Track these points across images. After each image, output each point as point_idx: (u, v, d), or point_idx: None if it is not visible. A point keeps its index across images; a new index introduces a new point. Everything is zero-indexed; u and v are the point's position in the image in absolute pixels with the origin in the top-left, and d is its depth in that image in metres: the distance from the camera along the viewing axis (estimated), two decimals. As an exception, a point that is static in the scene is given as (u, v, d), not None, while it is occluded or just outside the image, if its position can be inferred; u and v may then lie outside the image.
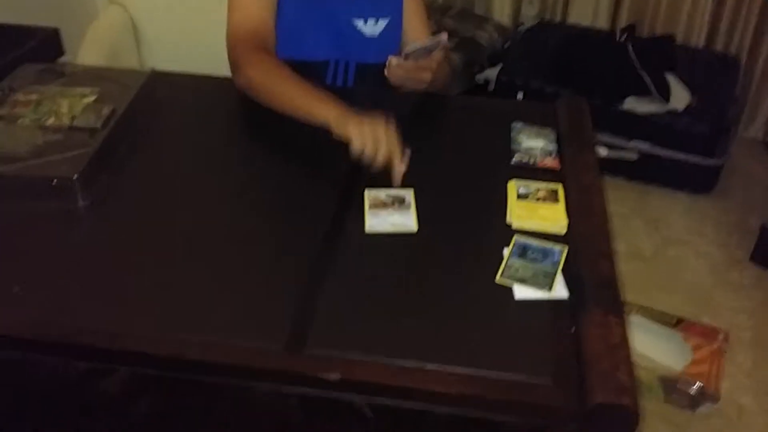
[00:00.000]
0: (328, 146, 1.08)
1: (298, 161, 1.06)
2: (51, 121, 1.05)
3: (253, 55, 1.14)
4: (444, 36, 1.13)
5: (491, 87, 2.48)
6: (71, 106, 1.07)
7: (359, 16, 1.25)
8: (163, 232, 0.90)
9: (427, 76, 1.13)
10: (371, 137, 0.95)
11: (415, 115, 1.18)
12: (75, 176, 0.92)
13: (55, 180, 0.92)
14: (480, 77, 2.50)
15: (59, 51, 1.40)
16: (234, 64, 1.16)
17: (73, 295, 0.80)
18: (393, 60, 1.14)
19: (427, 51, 1.12)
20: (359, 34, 1.25)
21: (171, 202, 0.97)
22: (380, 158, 0.96)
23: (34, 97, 1.10)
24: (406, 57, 1.14)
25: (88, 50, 1.46)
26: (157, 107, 1.16)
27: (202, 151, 1.09)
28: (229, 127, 1.18)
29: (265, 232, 0.92)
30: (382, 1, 1.28)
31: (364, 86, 1.26)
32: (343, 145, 1.00)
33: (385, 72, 1.15)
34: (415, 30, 1.29)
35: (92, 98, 1.10)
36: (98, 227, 0.92)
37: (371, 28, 1.26)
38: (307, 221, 0.93)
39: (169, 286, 0.81)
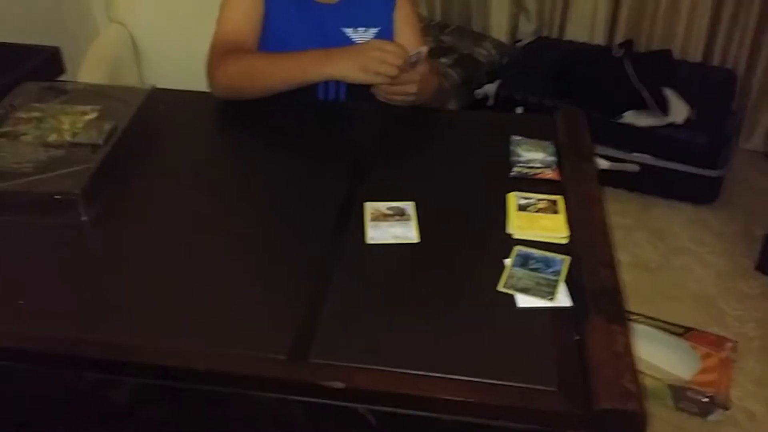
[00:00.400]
0: (328, 159, 1.11)
1: (298, 175, 1.08)
2: (53, 137, 1.06)
3: (224, 57, 1.18)
4: (424, 49, 1.14)
5: (490, 102, 2.51)
6: (73, 123, 1.09)
7: (349, 25, 1.27)
8: (165, 245, 0.91)
9: (411, 89, 1.14)
10: (383, 67, 1.04)
11: (413, 128, 1.20)
12: (78, 191, 0.94)
13: (59, 195, 0.94)
14: (479, 92, 2.52)
15: (60, 69, 1.42)
16: (209, 75, 1.20)
17: (78, 307, 0.81)
18: None
19: (409, 65, 1.12)
20: (349, 42, 1.26)
21: (172, 215, 0.98)
22: (397, 73, 1.05)
23: (35, 114, 1.11)
24: None
25: (90, 68, 1.48)
26: (158, 123, 1.18)
27: (202, 166, 1.11)
28: (228, 142, 1.20)
29: (267, 242, 0.93)
30: (372, 10, 1.29)
31: (357, 99, 1.26)
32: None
33: (371, 90, 1.16)
34: (408, 40, 1.28)
35: (94, 115, 1.11)
36: (101, 241, 0.94)
37: (361, 35, 1.27)
38: (307, 232, 0.94)
39: (173, 297, 0.82)
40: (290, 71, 1.13)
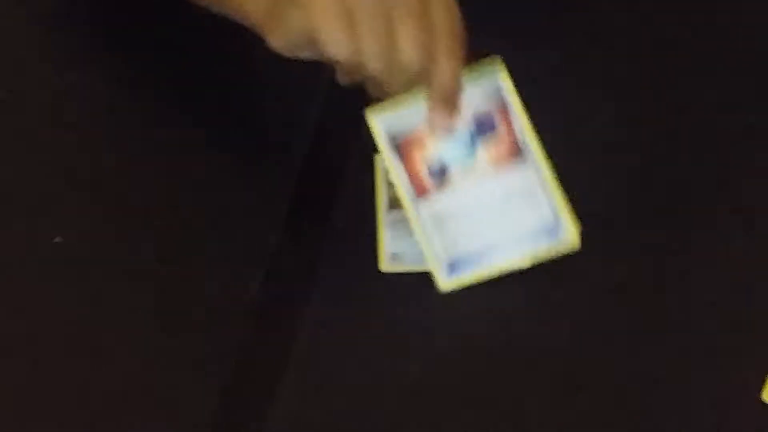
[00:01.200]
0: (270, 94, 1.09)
1: (206, 125, 1.05)
2: None
3: None
4: None
5: None
6: None
7: None
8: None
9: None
10: (377, 37, 0.90)
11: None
12: None
13: None
14: None
15: None
16: None
17: None
18: None
19: None
20: None
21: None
22: (403, 84, 0.90)
23: None
24: None
25: None
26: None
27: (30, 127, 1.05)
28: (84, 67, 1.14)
29: (156, 289, 0.92)
30: None
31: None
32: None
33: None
34: None
35: None
36: None
37: None
38: (242, 247, 0.94)
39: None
40: None
